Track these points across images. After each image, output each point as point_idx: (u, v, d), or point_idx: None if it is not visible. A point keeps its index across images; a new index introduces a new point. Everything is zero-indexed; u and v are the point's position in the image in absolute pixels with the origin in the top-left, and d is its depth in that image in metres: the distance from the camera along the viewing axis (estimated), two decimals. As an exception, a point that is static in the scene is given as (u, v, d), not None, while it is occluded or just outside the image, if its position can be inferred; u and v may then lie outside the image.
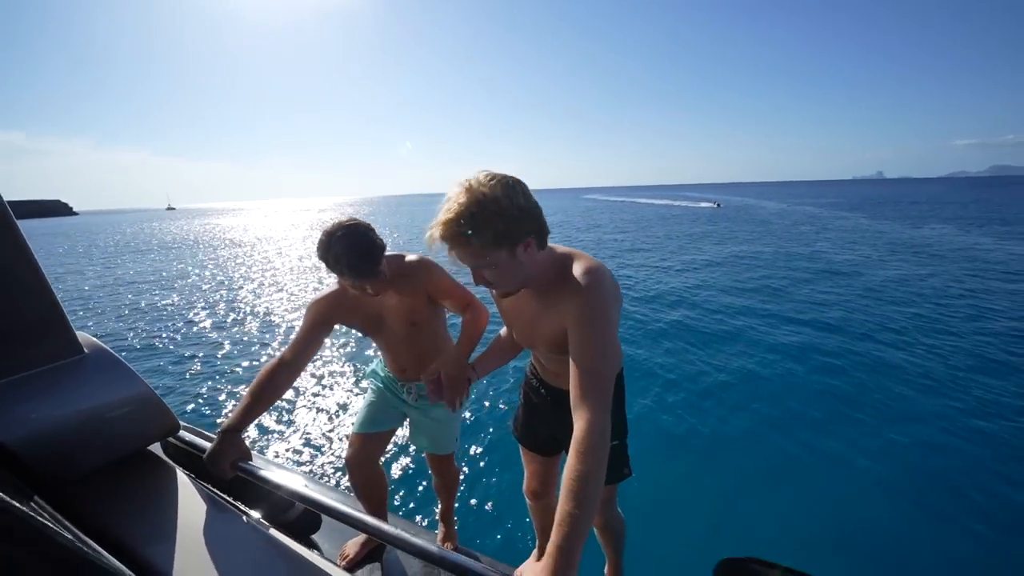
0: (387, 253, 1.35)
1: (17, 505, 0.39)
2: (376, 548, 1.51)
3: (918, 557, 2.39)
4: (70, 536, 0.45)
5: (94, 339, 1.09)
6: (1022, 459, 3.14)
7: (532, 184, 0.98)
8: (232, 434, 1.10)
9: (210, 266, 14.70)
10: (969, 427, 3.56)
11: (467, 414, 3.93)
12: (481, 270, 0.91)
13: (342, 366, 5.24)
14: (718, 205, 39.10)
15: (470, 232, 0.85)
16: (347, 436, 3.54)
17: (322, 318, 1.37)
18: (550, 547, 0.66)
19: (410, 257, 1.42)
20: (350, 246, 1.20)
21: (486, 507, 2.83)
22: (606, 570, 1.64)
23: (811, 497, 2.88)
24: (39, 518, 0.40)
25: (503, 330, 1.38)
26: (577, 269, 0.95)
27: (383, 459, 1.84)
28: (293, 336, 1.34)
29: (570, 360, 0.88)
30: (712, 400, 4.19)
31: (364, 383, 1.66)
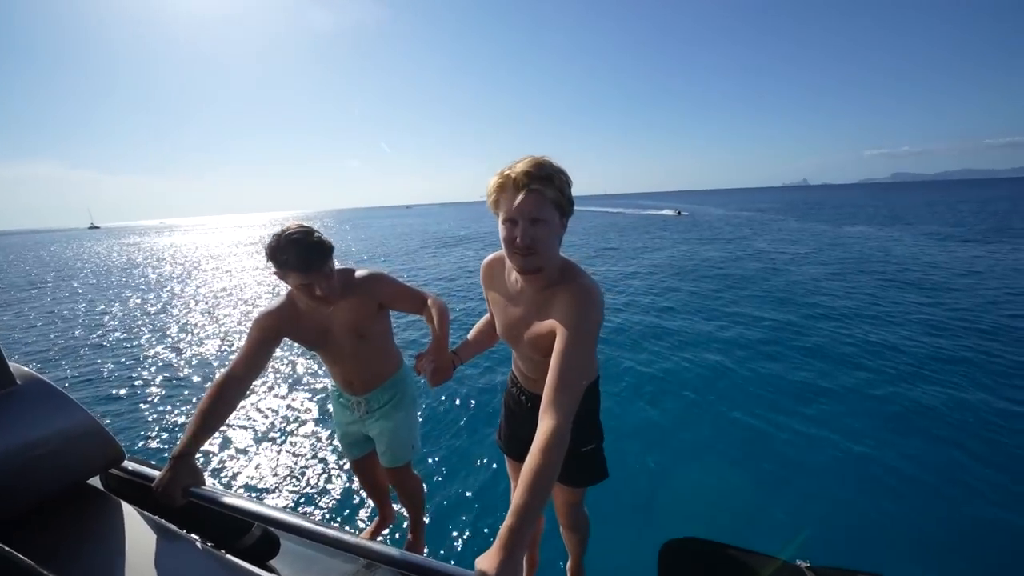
0: (337, 267, 1.41)
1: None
2: None
3: (862, 532, 2.61)
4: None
5: (28, 369, 1.02)
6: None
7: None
8: (183, 459, 1.07)
9: (148, 288, 13.55)
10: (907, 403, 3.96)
11: (444, 418, 3.92)
12: (534, 223, 0.98)
13: (293, 385, 5.02)
14: (679, 213, 37.95)
15: (553, 180, 0.97)
16: (299, 457, 3.52)
17: (269, 332, 1.37)
18: (504, 531, 0.72)
19: (360, 271, 1.47)
20: (299, 242, 1.27)
21: (458, 516, 2.83)
22: (568, 565, 1.71)
23: (750, 479, 3.10)
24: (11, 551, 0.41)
25: (482, 320, 1.46)
26: (581, 281, 1.04)
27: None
28: (240, 351, 1.32)
29: (551, 364, 0.93)
30: (652, 388, 4.45)
31: (329, 406, 1.72)
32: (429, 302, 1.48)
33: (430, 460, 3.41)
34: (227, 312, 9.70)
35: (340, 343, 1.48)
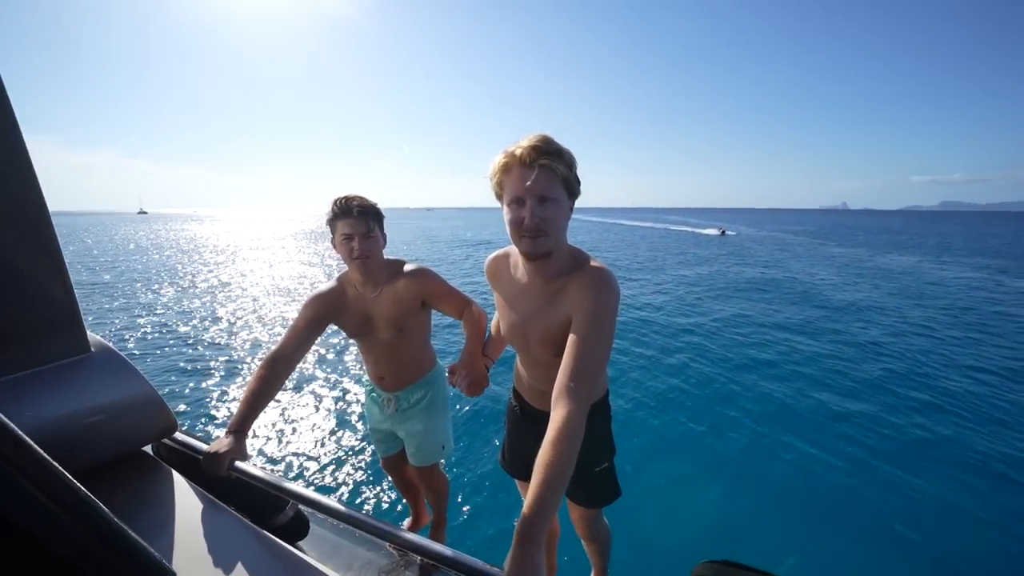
0: (388, 258, 1.47)
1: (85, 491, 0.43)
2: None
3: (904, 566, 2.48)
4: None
5: (100, 338, 1.10)
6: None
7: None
8: (237, 435, 1.11)
9: (194, 271, 14.47)
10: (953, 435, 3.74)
11: (464, 414, 3.95)
12: (543, 203, 0.92)
13: (335, 377, 5.14)
14: (723, 232, 33.32)
15: (563, 156, 0.92)
16: (335, 449, 3.60)
17: (317, 314, 1.42)
18: (519, 525, 0.70)
19: (410, 265, 1.50)
20: (354, 197, 1.40)
21: (477, 515, 2.83)
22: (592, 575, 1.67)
23: (790, 503, 2.97)
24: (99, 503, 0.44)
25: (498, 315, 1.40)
26: (594, 265, 0.98)
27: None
28: (288, 331, 1.37)
29: (566, 352, 0.88)
30: (698, 407, 4.32)
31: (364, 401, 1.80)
32: (473, 308, 1.48)
33: (452, 457, 3.39)
34: (269, 295, 10.20)
35: (379, 334, 1.51)
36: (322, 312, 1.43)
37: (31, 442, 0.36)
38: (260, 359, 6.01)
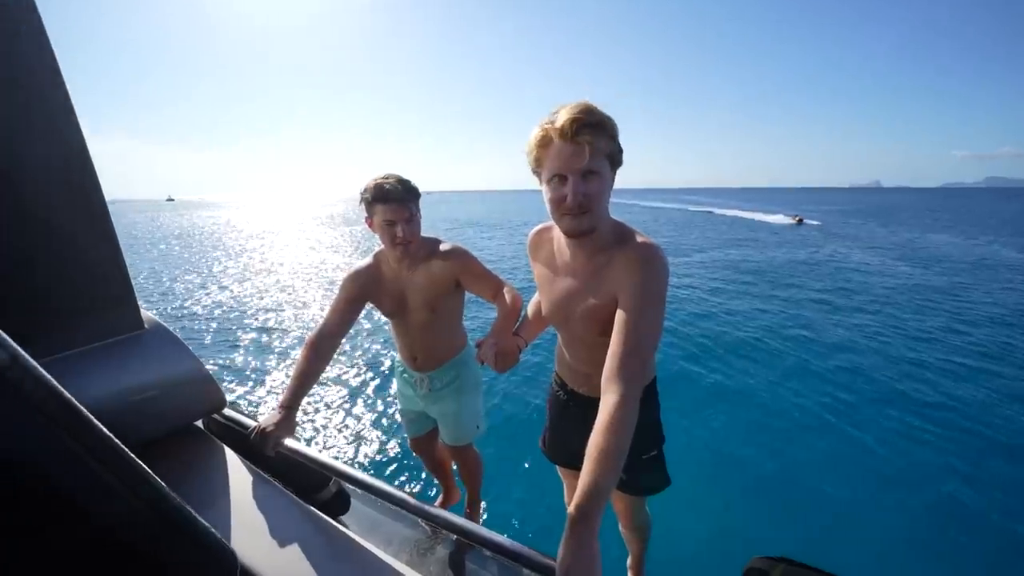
0: (425, 236, 1.45)
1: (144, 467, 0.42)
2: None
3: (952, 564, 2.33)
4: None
5: (153, 315, 1.13)
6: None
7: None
8: (287, 411, 1.13)
9: (228, 256, 14.94)
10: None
11: (495, 400, 3.94)
12: (586, 178, 0.88)
13: (366, 358, 5.21)
14: (799, 221, 26.05)
15: (605, 127, 0.87)
16: (366, 428, 3.66)
17: (355, 291, 1.43)
18: (574, 513, 0.68)
19: (445, 244, 1.48)
20: (390, 179, 1.35)
21: (512, 495, 2.80)
22: (628, 562, 1.65)
23: (848, 502, 2.79)
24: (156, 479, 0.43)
25: (535, 297, 1.35)
26: (641, 240, 0.94)
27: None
28: (329, 310, 1.39)
29: (614, 332, 0.86)
30: (748, 402, 4.11)
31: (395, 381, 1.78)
32: (507, 289, 1.44)
33: (487, 436, 3.39)
34: (303, 276, 10.52)
35: (413, 313, 1.51)
36: (360, 289, 1.44)
37: (96, 421, 0.35)
38: (298, 337, 6.06)
